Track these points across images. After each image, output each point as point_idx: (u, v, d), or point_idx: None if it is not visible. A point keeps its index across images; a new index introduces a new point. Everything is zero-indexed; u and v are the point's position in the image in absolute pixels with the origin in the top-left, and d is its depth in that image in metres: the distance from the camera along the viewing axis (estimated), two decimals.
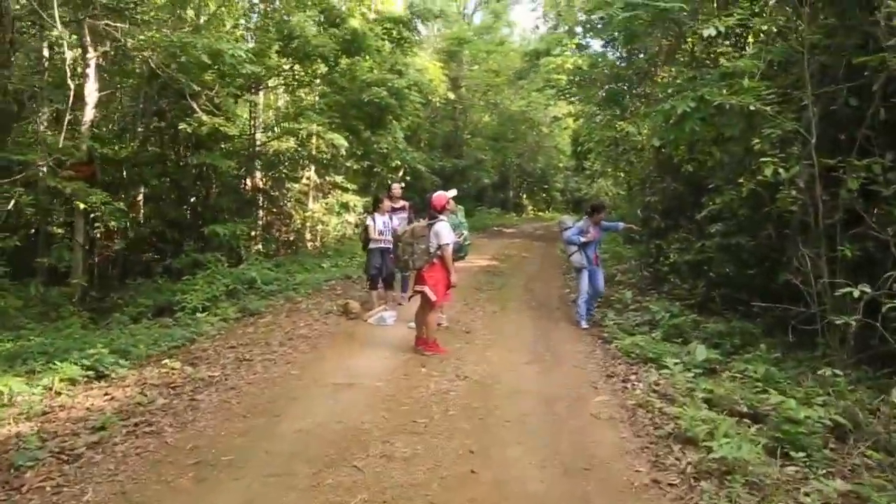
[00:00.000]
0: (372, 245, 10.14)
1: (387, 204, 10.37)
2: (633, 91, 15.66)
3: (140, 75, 13.61)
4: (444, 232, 7.67)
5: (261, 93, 18.98)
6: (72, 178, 11.70)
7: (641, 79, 16.30)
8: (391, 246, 8.88)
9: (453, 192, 8.40)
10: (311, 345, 8.39)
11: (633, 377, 7.19)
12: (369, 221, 10.34)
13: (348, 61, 15.07)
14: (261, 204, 19.73)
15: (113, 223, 12.22)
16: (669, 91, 10.27)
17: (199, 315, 10.58)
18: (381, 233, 10.04)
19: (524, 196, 48.25)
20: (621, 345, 8.31)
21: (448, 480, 4.51)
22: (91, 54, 12.80)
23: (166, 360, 7.43)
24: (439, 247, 7.65)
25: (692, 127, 8.90)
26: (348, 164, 22.58)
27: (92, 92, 12.74)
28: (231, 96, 11.61)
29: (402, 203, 10.65)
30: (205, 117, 11.33)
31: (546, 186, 49.77)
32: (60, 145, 10.99)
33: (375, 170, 23.64)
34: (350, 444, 5.07)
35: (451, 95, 27.70)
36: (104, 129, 14.27)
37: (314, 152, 19.39)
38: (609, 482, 4.58)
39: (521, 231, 30.43)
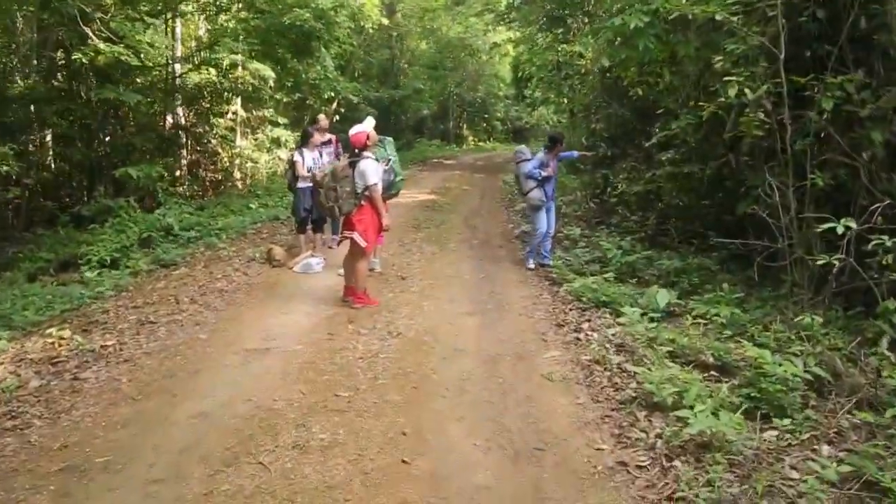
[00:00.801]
0: (300, 184, 9.13)
1: (316, 138, 9.31)
2: (577, 10, 14.67)
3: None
4: (370, 170, 6.72)
5: (178, 21, 17.40)
6: None
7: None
8: None
9: (370, 123, 7.37)
10: (227, 300, 7.45)
11: (585, 325, 6.48)
12: (297, 157, 9.29)
13: None
14: (183, 142, 18.35)
15: (5, 168, 10.86)
16: (618, 6, 9.40)
17: (104, 269, 9.58)
18: (310, 170, 9.04)
19: (464, 126, 47.06)
20: (571, 287, 7.58)
21: (373, 476, 3.72)
22: None
23: (52, 329, 6.37)
24: (366, 187, 6.72)
25: (645, 44, 8.07)
26: (277, 96, 21.25)
27: None
28: (132, 20, 10.18)
29: (329, 136, 9.59)
30: (102, 45, 9.97)
31: (486, 116, 48.64)
32: None
33: (308, 102, 22.31)
34: (257, 432, 4.22)
35: (386, 21, 26.17)
36: None
37: (240, 85, 18.01)
38: (567, 466, 3.86)
39: (461, 163, 29.48)
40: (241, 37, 13.90)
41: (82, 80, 12.95)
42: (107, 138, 14.21)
